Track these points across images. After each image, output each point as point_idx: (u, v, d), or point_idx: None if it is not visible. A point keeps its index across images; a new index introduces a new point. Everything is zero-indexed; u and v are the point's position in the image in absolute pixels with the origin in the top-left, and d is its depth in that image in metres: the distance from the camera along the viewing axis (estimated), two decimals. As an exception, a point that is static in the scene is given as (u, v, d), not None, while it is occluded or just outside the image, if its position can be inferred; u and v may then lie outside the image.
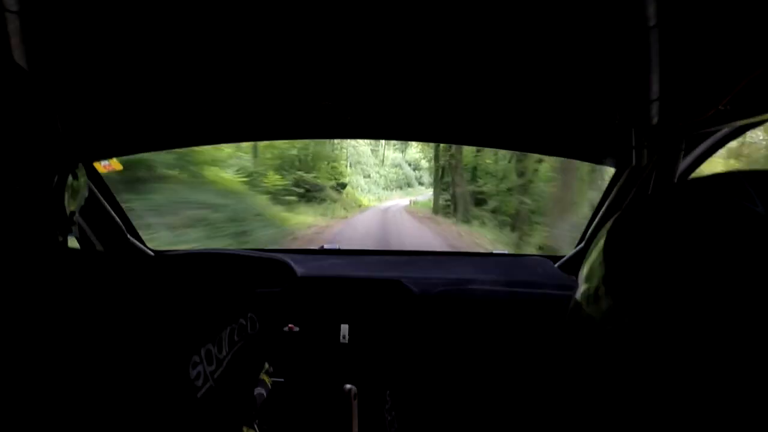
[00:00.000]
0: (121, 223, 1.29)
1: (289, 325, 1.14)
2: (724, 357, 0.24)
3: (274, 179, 9.63)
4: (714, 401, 0.25)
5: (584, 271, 0.35)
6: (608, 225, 0.34)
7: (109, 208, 1.25)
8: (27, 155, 0.39)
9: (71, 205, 0.47)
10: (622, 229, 0.32)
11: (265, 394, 0.90)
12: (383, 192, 20.78)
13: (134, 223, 1.36)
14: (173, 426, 0.43)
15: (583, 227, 1.38)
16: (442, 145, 9.90)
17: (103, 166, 1.21)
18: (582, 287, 0.34)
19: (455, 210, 11.58)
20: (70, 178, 0.46)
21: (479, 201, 10.58)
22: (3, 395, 0.36)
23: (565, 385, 0.35)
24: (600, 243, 0.33)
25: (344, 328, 1.15)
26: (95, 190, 1.20)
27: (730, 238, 0.26)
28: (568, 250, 1.40)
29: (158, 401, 0.45)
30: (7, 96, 0.38)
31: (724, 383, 0.24)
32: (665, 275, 0.27)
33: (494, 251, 1.59)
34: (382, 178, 21.96)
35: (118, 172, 1.26)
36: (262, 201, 8.81)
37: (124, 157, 1.27)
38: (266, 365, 0.98)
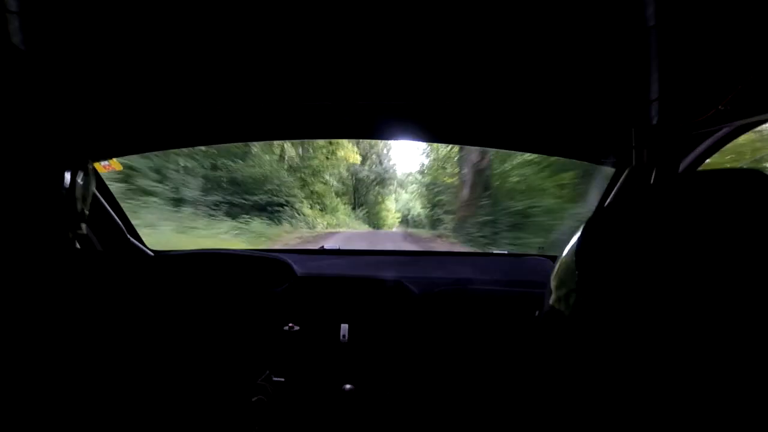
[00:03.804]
0: (120, 224, 1.29)
1: (290, 324, 1.15)
2: (708, 354, 0.24)
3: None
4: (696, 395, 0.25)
5: (556, 278, 0.35)
6: (580, 231, 0.33)
7: (109, 208, 1.26)
8: (36, 154, 0.39)
9: (81, 203, 0.47)
10: (594, 237, 0.32)
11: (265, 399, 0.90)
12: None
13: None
14: (172, 421, 0.43)
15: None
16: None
17: (103, 167, 1.21)
18: (555, 293, 0.34)
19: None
20: (80, 175, 0.46)
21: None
22: (6, 386, 0.36)
23: (551, 384, 0.35)
24: (571, 248, 0.33)
25: (344, 328, 1.15)
26: (95, 191, 1.20)
27: (704, 241, 0.26)
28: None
29: (157, 398, 0.45)
30: (17, 98, 0.38)
31: (717, 381, 0.24)
32: (646, 281, 0.27)
33: (494, 251, 1.59)
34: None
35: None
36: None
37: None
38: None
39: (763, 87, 0.78)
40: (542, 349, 0.36)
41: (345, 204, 17.54)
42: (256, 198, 9.80)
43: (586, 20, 0.73)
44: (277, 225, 10.32)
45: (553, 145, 1.24)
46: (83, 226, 0.46)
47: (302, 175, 14.12)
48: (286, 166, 12.66)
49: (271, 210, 10.41)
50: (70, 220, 0.45)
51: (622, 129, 1.04)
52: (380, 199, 20.92)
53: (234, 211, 8.63)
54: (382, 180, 21.06)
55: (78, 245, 0.46)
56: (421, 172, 17.23)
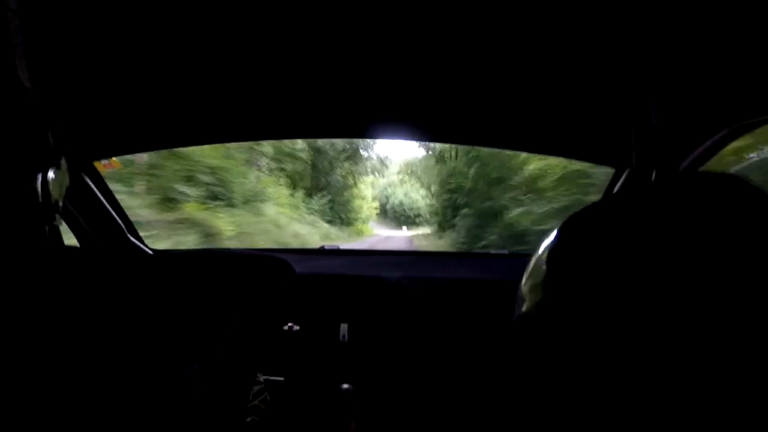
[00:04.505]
0: (121, 223, 1.29)
1: (289, 324, 1.15)
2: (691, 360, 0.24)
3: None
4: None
5: (528, 277, 0.33)
6: (555, 230, 0.32)
7: (110, 207, 1.26)
8: (9, 153, 0.40)
9: (56, 194, 0.47)
10: (569, 236, 0.31)
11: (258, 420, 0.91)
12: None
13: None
14: (171, 422, 0.43)
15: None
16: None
17: (103, 165, 1.21)
18: (528, 300, 0.33)
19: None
20: (53, 171, 0.46)
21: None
22: (2, 391, 0.36)
23: (529, 389, 0.34)
24: (545, 247, 0.32)
25: (344, 328, 1.15)
26: (95, 190, 1.20)
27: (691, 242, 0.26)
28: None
29: (156, 399, 0.46)
30: None
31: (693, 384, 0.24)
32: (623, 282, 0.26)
33: (494, 251, 1.60)
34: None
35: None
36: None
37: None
38: (265, 394, 0.98)
39: (763, 87, 0.78)
40: (517, 354, 0.35)
41: (293, 188, 10.47)
42: None
43: (586, 20, 0.73)
44: None
45: (553, 145, 1.24)
46: (57, 216, 0.46)
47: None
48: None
49: None
50: (44, 212, 0.45)
51: (622, 129, 1.04)
52: (351, 182, 13.66)
53: None
54: (356, 152, 13.51)
55: (51, 237, 0.46)
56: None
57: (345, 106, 1.07)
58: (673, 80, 0.85)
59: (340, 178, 13.27)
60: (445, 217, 9.98)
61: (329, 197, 12.45)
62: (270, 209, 8.40)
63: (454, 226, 8.80)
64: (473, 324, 1.10)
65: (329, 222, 11.69)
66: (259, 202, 8.13)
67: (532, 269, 0.33)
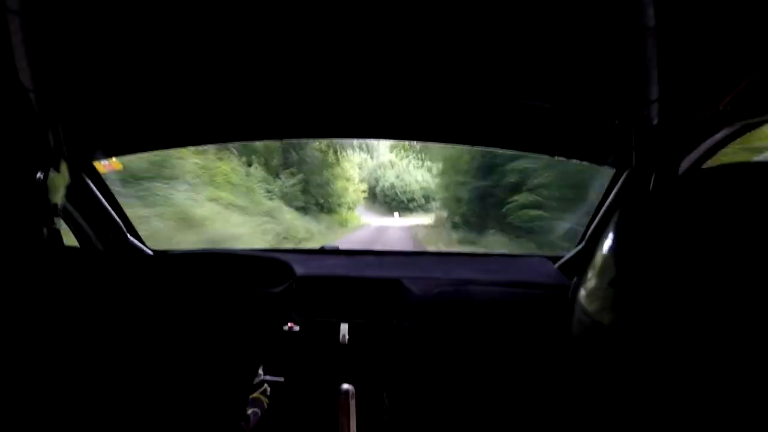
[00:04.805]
0: (121, 223, 1.29)
1: (289, 324, 1.15)
2: (742, 360, 0.24)
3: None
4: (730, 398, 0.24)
5: (589, 273, 0.33)
6: (612, 227, 0.32)
7: (109, 208, 1.26)
8: (7, 153, 0.40)
9: (55, 198, 0.47)
10: (633, 231, 0.31)
11: (259, 413, 0.92)
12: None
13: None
14: (171, 421, 0.43)
15: (582, 228, 1.38)
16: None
17: (103, 166, 1.22)
18: (585, 289, 0.33)
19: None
20: (52, 172, 0.46)
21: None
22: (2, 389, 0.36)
23: (564, 385, 0.34)
24: (605, 244, 0.32)
25: (344, 328, 1.15)
26: (95, 190, 1.21)
27: (743, 232, 0.25)
28: (567, 251, 1.40)
29: (156, 398, 0.46)
30: None
31: (744, 381, 0.24)
32: (685, 277, 0.26)
33: (494, 251, 1.60)
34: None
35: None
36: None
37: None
38: (264, 385, 0.98)
39: (764, 88, 0.78)
40: (576, 354, 0.34)
41: (248, 164, 7.47)
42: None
43: (587, 21, 0.73)
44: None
45: (553, 146, 1.24)
46: (56, 219, 0.47)
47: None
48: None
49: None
50: (43, 215, 0.45)
51: (622, 129, 1.04)
52: (332, 159, 10.28)
53: None
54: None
55: (50, 240, 0.46)
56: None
57: (344, 106, 1.07)
58: (673, 81, 0.85)
59: (317, 153, 9.58)
60: (473, 209, 6.09)
61: (301, 177, 8.76)
62: (181, 196, 4.97)
63: (514, 225, 4.94)
64: (472, 323, 1.10)
65: (301, 209, 8.57)
66: (160, 184, 4.71)
67: (597, 273, 0.33)
